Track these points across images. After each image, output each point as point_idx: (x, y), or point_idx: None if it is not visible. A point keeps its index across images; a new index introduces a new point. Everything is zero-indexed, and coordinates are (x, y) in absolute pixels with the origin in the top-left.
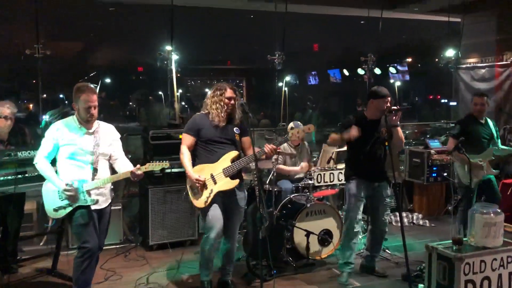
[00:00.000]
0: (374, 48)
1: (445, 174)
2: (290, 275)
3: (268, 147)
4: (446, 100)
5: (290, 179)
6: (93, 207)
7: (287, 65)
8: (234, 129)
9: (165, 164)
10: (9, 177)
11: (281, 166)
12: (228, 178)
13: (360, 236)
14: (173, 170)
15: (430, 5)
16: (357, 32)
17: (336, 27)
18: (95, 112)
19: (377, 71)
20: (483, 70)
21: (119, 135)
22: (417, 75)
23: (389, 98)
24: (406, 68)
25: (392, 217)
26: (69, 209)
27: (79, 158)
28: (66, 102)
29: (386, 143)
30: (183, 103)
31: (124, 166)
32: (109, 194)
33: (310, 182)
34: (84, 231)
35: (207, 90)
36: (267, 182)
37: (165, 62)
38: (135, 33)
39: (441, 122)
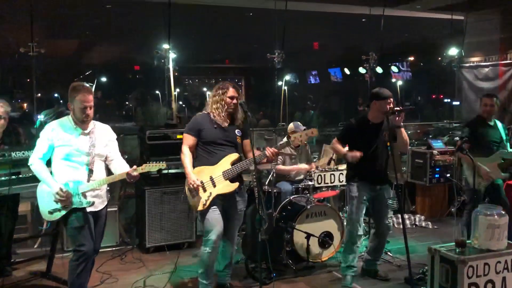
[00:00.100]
0: (376, 46)
1: (448, 175)
2: (290, 278)
3: (269, 151)
4: (449, 100)
5: (290, 180)
6: (88, 209)
7: (287, 64)
8: (236, 131)
9: (162, 165)
10: (3, 178)
11: (281, 167)
12: (228, 181)
13: (362, 239)
14: (170, 171)
15: (433, 3)
16: (358, 30)
17: (337, 25)
18: (91, 112)
19: (379, 70)
20: (486, 69)
21: (115, 136)
22: (419, 74)
23: (392, 99)
24: (408, 67)
25: (394, 219)
26: (64, 211)
27: (74, 159)
28: (61, 101)
29: (388, 144)
30: (180, 103)
31: (120, 167)
32: (105, 195)
33: (310, 183)
34: (80, 234)
35: (205, 89)
36: (266, 183)
37: (162, 61)
38: (131, 31)
39: (444, 122)
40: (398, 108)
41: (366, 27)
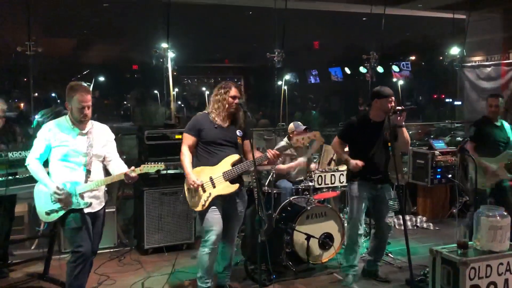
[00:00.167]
0: (377, 45)
1: (450, 175)
2: (290, 280)
3: (270, 153)
4: (450, 100)
5: (290, 180)
6: (86, 210)
7: (287, 63)
8: (237, 131)
9: (160, 165)
10: (0, 179)
11: (281, 166)
12: (228, 182)
13: (362, 239)
14: (169, 171)
15: (434, 2)
16: (359, 29)
17: (338, 24)
18: (88, 112)
19: (380, 69)
20: (488, 69)
21: (113, 136)
22: (420, 74)
23: (393, 98)
24: (409, 67)
25: (395, 220)
26: (62, 212)
27: (72, 160)
28: (59, 101)
29: (389, 144)
30: (179, 102)
31: (118, 168)
32: (103, 196)
33: (310, 184)
34: (77, 235)
35: (204, 89)
36: (266, 183)
37: (161, 60)
38: (130, 30)
39: (446, 122)
40: (399, 107)
41: (367, 26)
